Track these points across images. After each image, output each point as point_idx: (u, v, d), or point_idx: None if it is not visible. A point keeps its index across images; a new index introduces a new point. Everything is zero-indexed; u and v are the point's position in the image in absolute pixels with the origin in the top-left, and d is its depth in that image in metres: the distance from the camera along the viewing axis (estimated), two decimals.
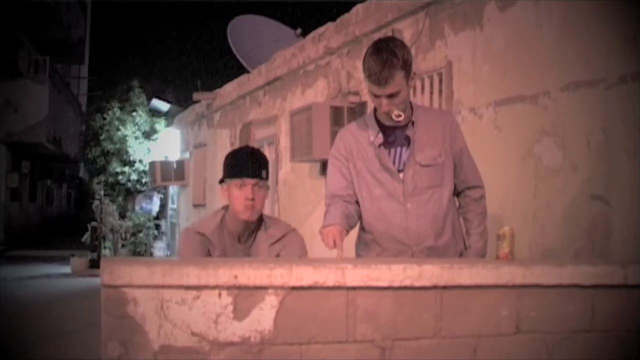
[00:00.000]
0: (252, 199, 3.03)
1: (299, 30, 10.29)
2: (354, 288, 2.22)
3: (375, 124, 3.14)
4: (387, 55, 2.95)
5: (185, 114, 14.45)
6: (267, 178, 3.11)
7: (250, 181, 3.04)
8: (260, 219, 3.18)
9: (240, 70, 10.85)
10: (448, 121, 3.21)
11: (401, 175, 3.11)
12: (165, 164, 14.24)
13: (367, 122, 3.18)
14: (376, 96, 3.02)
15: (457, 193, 3.27)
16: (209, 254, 3.05)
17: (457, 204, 3.29)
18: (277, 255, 3.07)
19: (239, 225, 3.11)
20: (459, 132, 3.22)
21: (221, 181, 3.14)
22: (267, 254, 3.09)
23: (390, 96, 2.99)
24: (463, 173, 3.22)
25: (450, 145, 3.16)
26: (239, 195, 3.04)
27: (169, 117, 16.68)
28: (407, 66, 2.98)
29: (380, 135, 3.12)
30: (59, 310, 9.27)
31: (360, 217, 3.20)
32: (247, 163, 3.07)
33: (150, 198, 15.77)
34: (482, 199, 3.26)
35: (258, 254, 3.10)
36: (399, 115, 3.04)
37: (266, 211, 9.92)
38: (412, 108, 3.16)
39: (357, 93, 6.46)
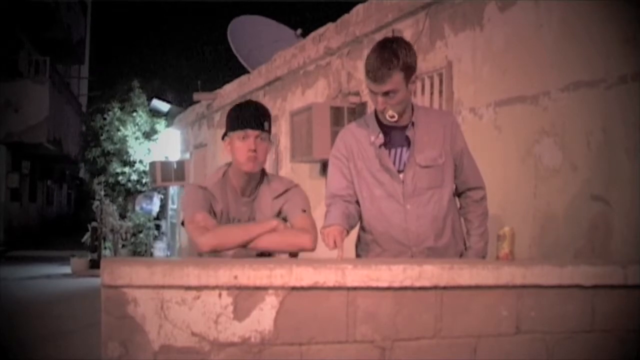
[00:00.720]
0: (255, 151, 3.03)
1: (299, 31, 10.29)
2: (354, 288, 2.22)
3: (376, 124, 3.15)
4: (388, 54, 2.97)
5: (186, 114, 14.45)
6: (269, 131, 3.11)
7: (252, 133, 3.04)
8: (263, 174, 3.19)
9: (240, 70, 10.85)
10: (449, 122, 3.21)
11: (401, 175, 3.11)
12: (165, 165, 14.23)
13: (368, 122, 3.19)
14: (373, 93, 3.04)
15: (458, 194, 3.27)
16: (211, 208, 3.05)
17: (458, 205, 3.29)
18: (280, 209, 3.08)
19: (242, 178, 3.12)
20: (460, 133, 3.22)
21: (224, 136, 3.14)
22: (270, 207, 3.09)
23: (386, 94, 3.00)
24: (464, 174, 3.22)
25: (451, 146, 3.16)
26: (242, 147, 3.04)
27: (169, 117, 16.68)
28: (407, 68, 2.98)
29: (381, 136, 3.12)
30: (59, 310, 9.27)
31: (360, 217, 3.20)
32: (249, 115, 3.07)
33: (151, 198, 15.77)
34: (482, 200, 3.26)
35: (261, 207, 3.11)
36: (393, 116, 3.05)
37: None
38: (412, 109, 3.16)
39: (357, 93, 6.46)
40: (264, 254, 3.02)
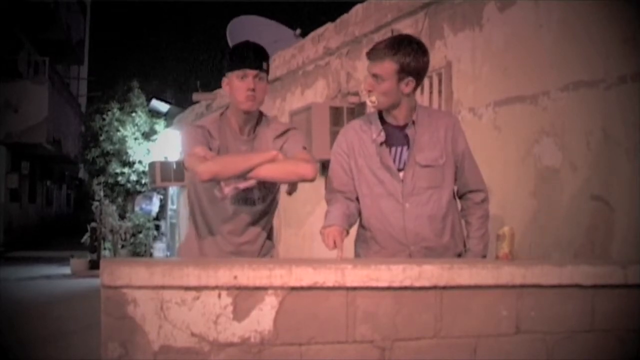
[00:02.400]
0: (254, 90, 3.07)
1: (298, 31, 10.27)
2: (354, 288, 2.22)
3: (379, 122, 3.16)
4: (392, 42, 3.05)
5: (185, 114, 14.45)
6: (267, 71, 3.14)
7: (251, 72, 3.08)
8: (261, 115, 3.23)
9: None
10: (451, 123, 3.21)
11: (401, 174, 3.11)
12: (164, 165, 14.22)
13: (371, 119, 3.20)
14: (368, 72, 3.10)
15: (459, 196, 3.27)
16: (209, 146, 3.08)
17: (459, 207, 3.28)
18: (281, 148, 3.11)
19: (241, 117, 3.16)
20: (462, 135, 3.22)
21: (222, 77, 3.18)
22: (271, 146, 3.12)
23: (375, 77, 3.05)
24: (465, 176, 3.22)
25: (452, 148, 3.16)
26: (241, 86, 3.08)
27: (168, 117, 16.68)
28: (403, 65, 3.00)
29: (383, 134, 3.13)
30: (59, 311, 9.27)
31: (360, 215, 3.21)
32: (248, 55, 3.11)
33: (150, 199, 15.77)
34: (483, 203, 3.26)
35: (262, 146, 3.14)
36: (373, 102, 3.11)
37: None
38: (415, 108, 3.16)
39: (356, 93, 6.46)
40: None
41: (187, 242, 3.35)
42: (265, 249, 3.29)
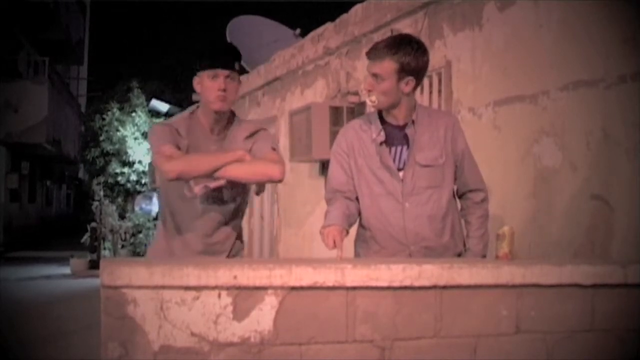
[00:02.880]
0: (225, 90, 3.08)
1: (298, 31, 10.28)
2: (354, 288, 2.22)
3: (378, 121, 3.16)
4: (392, 41, 3.06)
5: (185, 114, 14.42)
6: (239, 71, 3.16)
7: (223, 72, 3.09)
8: (233, 115, 3.24)
9: (239, 70, 10.83)
10: (450, 122, 3.21)
11: (401, 174, 3.11)
12: None
13: (371, 119, 3.20)
14: (367, 72, 3.10)
15: (458, 195, 3.27)
16: (177, 145, 3.08)
17: (459, 207, 3.29)
18: (250, 149, 3.11)
19: (211, 117, 3.16)
20: (461, 135, 3.22)
21: (194, 76, 3.18)
22: (241, 146, 3.12)
23: (374, 76, 3.05)
24: (464, 176, 3.22)
25: (452, 147, 3.16)
26: (212, 86, 3.08)
27: (168, 117, 16.66)
28: (403, 65, 3.01)
29: (383, 133, 3.13)
30: (59, 311, 9.27)
31: (360, 214, 3.21)
32: (219, 55, 3.13)
33: (150, 199, 15.76)
34: (483, 203, 3.26)
35: (231, 146, 3.13)
36: (373, 102, 3.10)
37: (265, 211, 9.87)
38: (415, 108, 3.16)
39: (356, 93, 6.46)
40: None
41: (156, 241, 3.33)
42: (235, 249, 3.28)
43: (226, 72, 3.09)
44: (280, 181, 3.09)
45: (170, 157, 2.97)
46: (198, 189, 3.07)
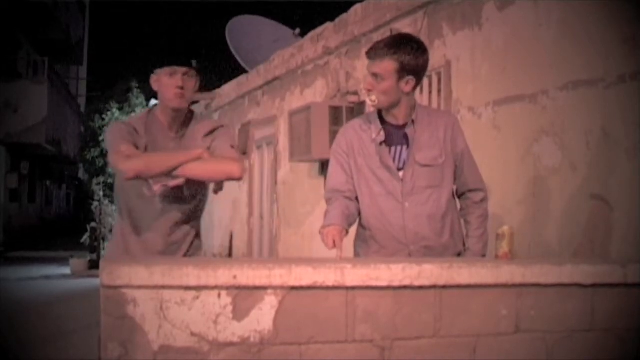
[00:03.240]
0: (182, 88, 3.07)
1: (297, 30, 10.28)
2: (354, 288, 2.22)
3: (378, 121, 3.16)
4: (392, 41, 3.06)
5: None
6: (197, 68, 3.14)
7: (180, 70, 3.08)
8: (191, 113, 3.23)
9: (239, 70, 10.85)
10: (450, 122, 3.21)
11: (401, 173, 3.11)
12: None
13: (370, 119, 3.20)
14: (368, 72, 3.10)
15: (458, 195, 3.27)
16: (135, 143, 3.07)
17: (459, 206, 3.28)
18: (209, 147, 3.10)
19: (169, 115, 3.15)
20: (461, 134, 3.22)
21: (152, 74, 3.17)
22: (200, 144, 3.11)
23: (374, 76, 3.05)
24: (464, 175, 3.22)
25: (452, 147, 3.16)
26: (170, 83, 3.08)
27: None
28: (403, 64, 3.01)
29: (382, 133, 3.13)
30: (59, 310, 9.26)
31: (359, 214, 3.21)
32: (177, 52, 3.13)
33: None
34: (483, 202, 3.26)
35: (190, 144, 3.12)
36: (373, 101, 3.10)
37: (265, 211, 9.88)
38: (414, 108, 3.16)
39: (356, 93, 6.47)
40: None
41: (114, 240, 3.30)
42: (194, 248, 3.26)
43: (184, 69, 3.08)
44: (239, 179, 3.08)
45: (128, 157, 2.95)
46: (157, 187, 3.05)
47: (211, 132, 3.17)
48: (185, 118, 3.19)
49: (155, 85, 3.15)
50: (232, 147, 3.13)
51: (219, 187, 3.18)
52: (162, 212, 3.15)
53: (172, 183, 3.05)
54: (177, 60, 3.09)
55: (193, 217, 3.25)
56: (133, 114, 16.76)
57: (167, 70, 3.08)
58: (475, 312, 2.32)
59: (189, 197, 3.16)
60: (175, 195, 3.12)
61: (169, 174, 2.98)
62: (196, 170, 2.99)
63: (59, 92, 23.14)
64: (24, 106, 19.60)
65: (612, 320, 2.42)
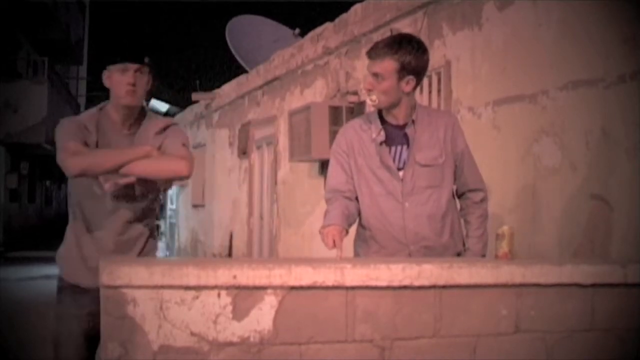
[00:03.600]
0: (134, 84, 3.05)
1: (297, 30, 10.28)
2: (353, 288, 2.22)
3: (378, 121, 3.16)
4: (393, 41, 3.06)
5: (184, 114, 14.45)
6: (149, 65, 3.13)
7: (132, 66, 3.06)
8: (143, 110, 3.21)
9: (239, 70, 10.85)
10: (450, 122, 3.21)
11: (401, 173, 3.11)
12: None
13: (371, 119, 3.20)
14: (368, 71, 3.10)
15: (458, 195, 3.27)
16: (85, 141, 3.04)
17: (459, 206, 3.29)
18: (161, 145, 3.09)
19: (121, 111, 3.12)
20: (461, 134, 3.22)
21: (104, 70, 3.14)
22: (151, 142, 3.09)
23: (375, 75, 3.05)
24: (464, 175, 3.22)
25: (452, 147, 3.16)
26: (121, 80, 3.05)
27: (167, 117, 16.65)
28: (404, 64, 3.01)
29: (383, 133, 3.13)
30: None
31: (359, 214, 3.21)
32: (129, 48, 3.14)
33: None
34: (482, 202, 3.26)
35: (142, 142, 3.09)
36: (374, 101, 3.11)
37: (265, 211, 9.84)
38: (415, 108, 3.16)
39: (355, 93, 6.46)
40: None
41: (67, 241, 3.25)
42: (148, 247, 3.24)
43: (136, 65, 3.06)
44: (187, 178, 3.06)
45: (74, 153, 2.92)
46: (108, 185, 3.01)
47: (163, 129, 3.14)
48: (137, 115, 3.16)
49: (107, 82, 3.11)
50: (184, 145, 3.10)
51: (167, 186, 3.16)
52: (113, 211, 3.10)
53: (123, 181, 3.01)
54: (130, 56, 3.06)
55: (146, 216, 3.21)
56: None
57: (119, 66, 3.05)
58: (475, 312, 2.32)
59: (141, 196, 3.12)
60: (126, 194, 3.07)
61: (116, 171, 2.94)
62: (144, 168, 2.96)
63: (59, 92, 23.14)
64: (24, 106, 19.60)
65: (612, 320, 2.42)
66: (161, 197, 3.27)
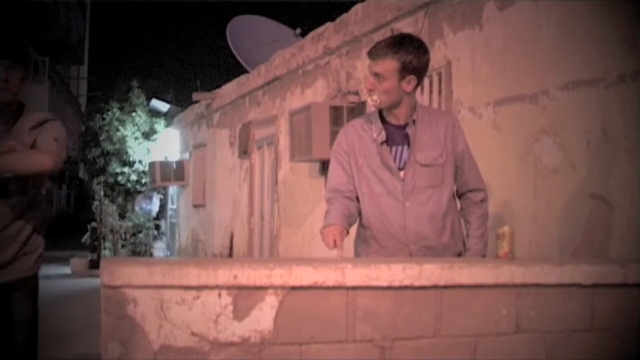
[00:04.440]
0: (6, 80, 3.07)
1: (298, 30, 10.28)
2: (354, 288, 2.22)
3: (379, 121, 3.16)
4: (394, 41, 3.07)
5: (185, 114, 14.44)
6: (21, 62, 3.15)
7: (4, 62, 3.08)
8: (21, 106, 3.21)
9: (239, 70, 10.85)
10: (451, 122, 3.22)
11: (401, 173, 3.12)
12: (164, 165, 14.22)
13: (371, 119, 3.20)
14: (369, 71, 3.10)
15: (458, 195, 3.28)
16: None
17: (459, 206, 3.29)
18: (35, 140, 3.09)
19: None
20: (461, 134, 3.22)
21: None
22: (26, 138, 3.09)
23: (376, 76, 3.06)
24: (464, 175, 3.22)
25: (452, 147, 3.17)
26: None
27: (168, 117, 16.66)
28: (405, 64, 3.01)
29: (383, 133, 3.13)
30: (59, 310, 9.26)
31: (360, 214, 3.21)
32: (1, 44, 3.13)
33: (150, 198, 15.76)
34: (483, 202, 3.26)
35: (16, 136, 3.10)
36: (375, 101, 3.11)
37: (266, 211, 9.85)
38: (415, 108, 3.17)
39: (356, 93, 6.46)
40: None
41: None
42: (32, 244, 3.28)
43: (7, 62, 3.08)
44: (51, 171, 3.06)
45: None
46: None
47: (39, 125, 3.15)
48: (14, 111, 3.17)
49: None
50: (56, 139, 3.11)
51: (35, 177, 3.17)
52: None
53: None
54: (2, 53, 3.08)
55: (27, 212, 3.22)
56: (134, 113, 16.79)
57: None
58: (475, 312, 2.32)
59: (17, 191, 3.13)
60: (1, 189, 3.08)
61: None
62: (8, 163, 2.97)
63: (60, 91, 23.17)
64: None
65: (612, 320, 2.42)
66: (43, 191, 3.27)
